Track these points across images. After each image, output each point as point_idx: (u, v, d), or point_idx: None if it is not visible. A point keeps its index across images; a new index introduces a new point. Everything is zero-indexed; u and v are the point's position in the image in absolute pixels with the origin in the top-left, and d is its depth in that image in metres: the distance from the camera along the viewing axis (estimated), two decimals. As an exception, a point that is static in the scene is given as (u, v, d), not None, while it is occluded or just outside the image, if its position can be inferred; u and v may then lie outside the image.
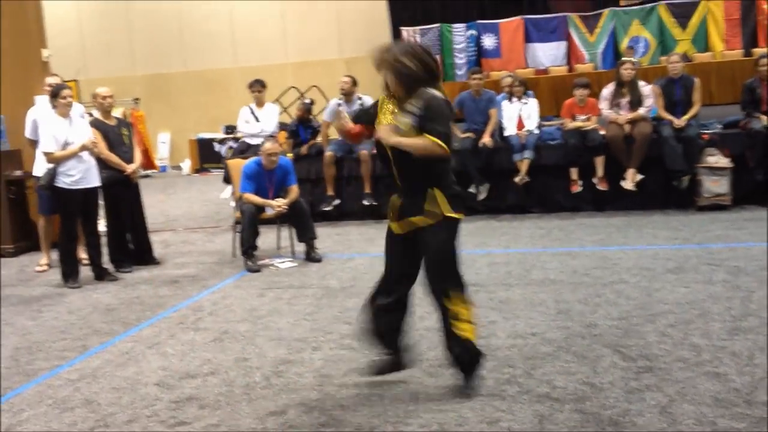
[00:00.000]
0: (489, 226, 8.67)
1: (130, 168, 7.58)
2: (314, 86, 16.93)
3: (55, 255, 7.59)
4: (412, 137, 3.67)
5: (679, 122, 8.56)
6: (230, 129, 16.39)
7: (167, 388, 4.35)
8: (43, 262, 7.96)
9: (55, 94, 6.96)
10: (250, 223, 7.30)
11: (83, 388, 4.44)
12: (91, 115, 9.04)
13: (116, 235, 7.67)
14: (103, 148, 7.38)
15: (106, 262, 7.49)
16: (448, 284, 3.88)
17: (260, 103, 9.62)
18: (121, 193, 7.61)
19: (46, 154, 6.92)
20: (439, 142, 3.63)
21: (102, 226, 7.61)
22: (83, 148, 6.94)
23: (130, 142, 7.76)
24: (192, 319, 5.73)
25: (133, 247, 7.80)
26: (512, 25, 17.56)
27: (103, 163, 7.40)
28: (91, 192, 7.13)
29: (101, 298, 6.59)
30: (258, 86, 9.60)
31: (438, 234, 3.81)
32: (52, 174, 6.90)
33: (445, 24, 17.94)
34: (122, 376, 4.59)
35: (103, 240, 7.52)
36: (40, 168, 7.24)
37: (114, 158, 7.50)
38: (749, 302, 5.15)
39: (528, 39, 17.59)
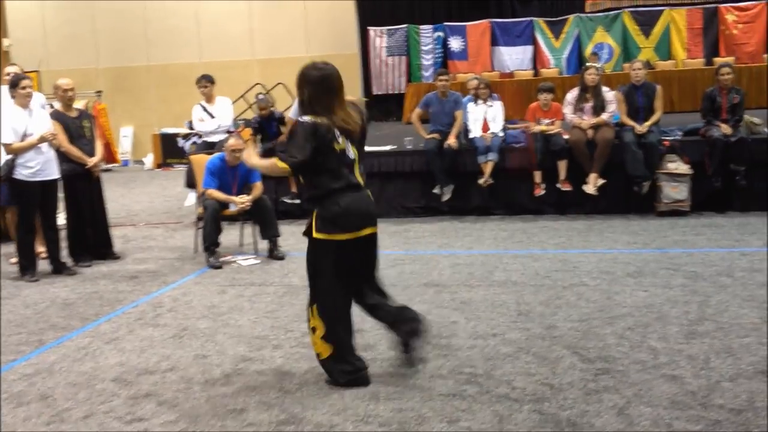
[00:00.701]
0: (453, 227, 8.70)
1: (91, 161, 7.46)
2: (280, 83, 16.81)
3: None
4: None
5: (641, 128, 8.68)
6: (191, 124, 16.20)
7: (125, 383, 4.29)
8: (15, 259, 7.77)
9: (14, 84, 6.83)
10: (212, 220, 7.24)
11: (39, 383, 4.36)
12: (52, 106, 8.88)
13: (76, 229, 7.53)
14: (63, 140, 7.25)
15: (65, 256, 7.36)
16: (313, 299, 4.17)
17: (210, 99, 9.51)
18: (82, 186, 7.48)
19: (5, 145, 6.78)
20: (278, 162, 3.96)
21: (62, 219, 7.48)
22: (42, 139, 6.80)
23: (91, 135, 7.62)
24: (151, 315, 5.66)
25: (92, 242, 7.67)
26: (479, 28, 17.67)
27: (63, 156, 7.28)
28: (50, 184, 7.01)
29: (59, 293, 6.48)
30: (204, 81, 9.49)
31: (308, 252, 4.17)
32: (10, 165, 6.76)
33: (413, 25, 17.97)
34: (79, 372, 4.51)
35: (63, 234, 7.39)
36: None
37: (75, 151, 7.36)
38: (706, 306, 5.24)
39: (494, 42, 17.71)
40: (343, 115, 3.99)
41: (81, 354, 4.84)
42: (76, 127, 7.49)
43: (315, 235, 4.06)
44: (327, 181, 4.00)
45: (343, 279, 4.09)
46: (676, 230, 7.86)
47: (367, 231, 4.09)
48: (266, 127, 9.91)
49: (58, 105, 7.64)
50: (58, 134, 7.14)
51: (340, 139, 3.98)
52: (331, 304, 4.12)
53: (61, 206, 7.45)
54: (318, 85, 3.97)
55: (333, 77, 4.01)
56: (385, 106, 18.27)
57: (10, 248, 7.94)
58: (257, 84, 17.09)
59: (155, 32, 19.52)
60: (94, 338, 5.17)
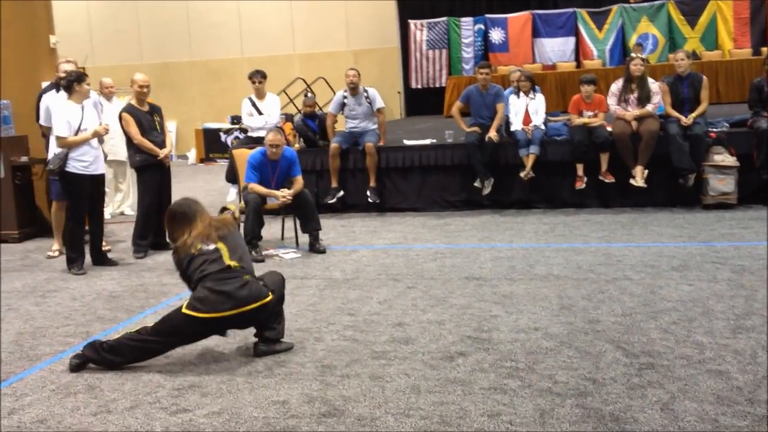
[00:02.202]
0: (493, 221, 8.66)
1: (162, 152, 7.80)
2: (321, 78, 16.90)
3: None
4: None
5: (687, 120, 8.53)
6: (236, 119, 16.37)
7: (170, 375, 4.36)
8: (54, 248, 7.98)
9: (77, 80, 7.01)
10: (254, 213, 7.30)
11: (86, 373, 4.45)
12: (101, 104, 9.09)
13: (145, 219, 7.79)
14: (136, 133, 7.66)
15: (125, 246, 7.56)
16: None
17: (261, 95, 9.56)
18: (154, 176, 7.82)
19: (59, 138, 6.96)
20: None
21: (129, 209, 7.54)
22: (96, 134, 7.06)
23: (161, 128, 7.96)
24: (195, 308, 5.73)
25: (153, 233, 7.90)
26: (520, 19, 17.51)
27: (136, 148, 7.70)
28: (98, 178, 7.23)
29: (105, 285, 6.61)
30: (258, 77, 9.55)
31: None
32: (63, 159, 6.93)
33: (453, 18, 17.89)
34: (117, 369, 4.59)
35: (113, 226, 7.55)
36: (52, 153, 7.31)
37: (147, 143, 7.71)
38: (753, 301, 5.14)
39: (536, 34, 17.54)
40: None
41: (127, 345, 4.92)
42: (148, 120, 7.84)
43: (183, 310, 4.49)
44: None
45: None
46: (723, 223, 7.72)
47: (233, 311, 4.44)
48: (310, 124, 10.14)
49: (131, 99, 7.94)
50: (132, 127, 7.60)
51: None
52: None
53: (131, 196, 7.70)
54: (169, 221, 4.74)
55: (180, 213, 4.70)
56: (425, 100, 18.26)
57: (42, 243, 8.15)
58: (298, 78, 17.21)
59: (197, 28, 19.77)
60: (139, 330, 5.25)
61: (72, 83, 7.01)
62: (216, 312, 4.38)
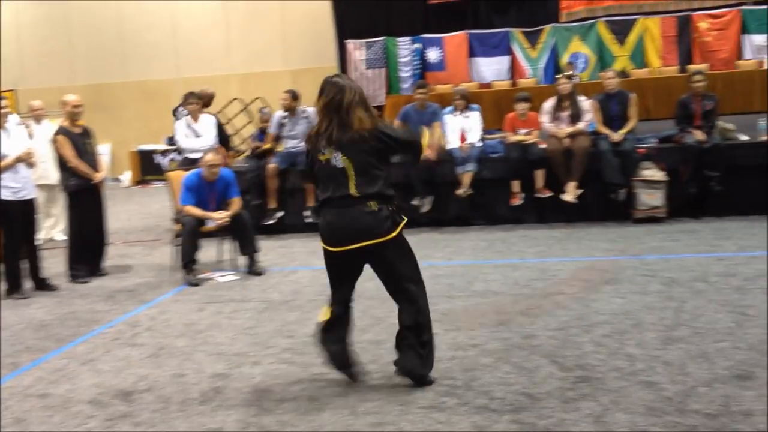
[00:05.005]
0: (432, 239, 8.71)
1: (97, 176, 7.62)
2: (258, 98, 16.81)
3: None
4: None
5: (616, 136, 8.75)
6: (172, 140, 16.15)
7: (101, 405, 4.25)
8: None
9: None
10: (190, 236, 7.20)
11: (13, 406, 4.31)
12: (27, 126, 8.85)
13: (78, 244, 7.61)
14: (71, 156, 7.46)
15: (60, 271, 7.38)
16: None
17: (195, 117, 9.48)
18: (88, 200, 7.64)
19: None
20: None
21: (61, 234, 7.34)
22: (18, 159, 6.83)
23: (93, 151, 7.76)
24: (128, 335, 5.61)
25: (91, 256, 7.74)
26: (456, 39, 17.74)
27: (70, 171, 7.50)
28: (29, 203, 7.04)
29: (35, 314, 6.41)
30: (193, 99, 9.47)
31: None
32: None
33: (390, 37, 18.03)
34: (54, 394, 4.46)
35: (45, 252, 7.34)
36: None
37: (83, 167, 7.52)
38: (682, 312, 5.27)
39: (472, 53, 17.79)
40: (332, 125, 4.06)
41: (56, 376, 4.79)
42: (82, 143, 7.63)
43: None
44: (319, 192, 4.21)
45: (333, 285, 4.29)
46: (653, 236, 7.92)
47: (350, 246, 4.07)
48: (261, 139, 10.07)
49: (63, 121, 7.71)
50: (66, 151, 7.36)
51: (326, 150, 4.02)
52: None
53: (62, 221, 7.49)
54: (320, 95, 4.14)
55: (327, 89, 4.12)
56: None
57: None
58: (235, 99, 17.09)
59: (132, 48, 19.47)
60: (70, 360, 5.11)
61: None
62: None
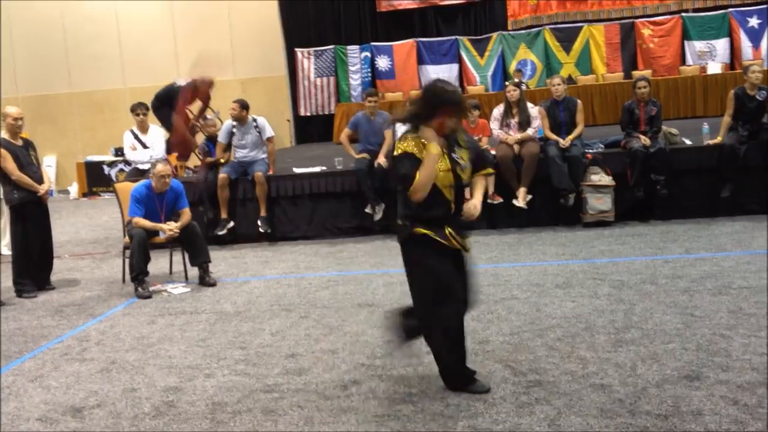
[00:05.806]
0: (385, 246, 8.72)
1: (42, 188, 7.47)
2: (208, 108, 16.64)
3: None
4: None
5: (564, 142, 8.89)
6: (120, 151, 15.90)
7: (50, 422, 4.15)
8: None
9: None
10: (140, 248, 7.09)
11: (-43, 427, 4.18)
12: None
13: (23, 258, 7.42)
14: (14, 169, 7.30)
15: (3, 287, 7.16)
16: None
17: (144, 128, 9.34)
18: (32, 213, 7.48)
19: None
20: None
21: (5, 249, 7.24)
22: None
23: (37, 162, 7.62)
24: (77, 350, 5.50)
25: (37, 271, 7.55)
26: (405, 47, 17.87)
27: (14, 185, 7.34)
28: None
29: (-21, 331, 6.24)
30: (142, 109, 9.33)
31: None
32: None
33: (340, 46, 18.07)
34: (3, 412, 4.34)
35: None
36: None
37: (27, 179, 7.37)
38: (631, 314, 5.37)
39: (421, 61, 17.95)
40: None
41: (4, 394, 4.66)
42: (24, 155, 7.48)
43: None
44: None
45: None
46: (602, 240, 8.06)
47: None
48: (211, 148, 9.87)
49: (4, 133, 7.54)
50: (9, 163, 7.19)
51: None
52: None
53: (6, 234, 7.30)
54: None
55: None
56: (314, 127, 18.31)
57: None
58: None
59: (77, 59, 19.14)
60: (17, 376, 4.98)
61: None
62: None
